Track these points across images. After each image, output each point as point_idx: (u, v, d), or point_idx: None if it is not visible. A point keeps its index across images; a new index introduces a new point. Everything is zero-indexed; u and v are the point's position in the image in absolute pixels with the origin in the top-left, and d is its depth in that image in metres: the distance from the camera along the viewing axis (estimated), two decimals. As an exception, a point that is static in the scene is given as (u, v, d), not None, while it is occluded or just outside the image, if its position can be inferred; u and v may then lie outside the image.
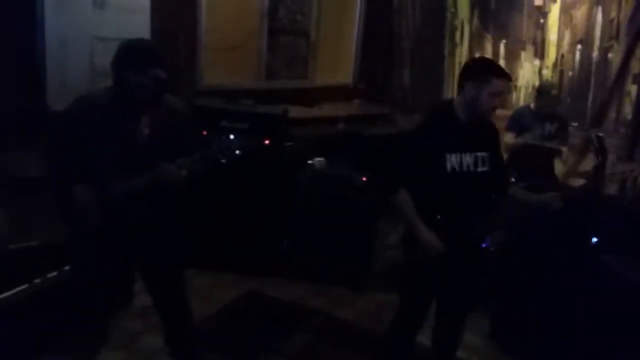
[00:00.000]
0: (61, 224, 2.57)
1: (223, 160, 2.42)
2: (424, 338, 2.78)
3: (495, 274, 3.19)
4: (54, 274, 2.79)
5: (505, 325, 3.34)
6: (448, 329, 2.71)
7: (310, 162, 4.08)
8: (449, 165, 2.41)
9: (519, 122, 4.35)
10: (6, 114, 3.52)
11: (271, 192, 3.93)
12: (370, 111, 5.66)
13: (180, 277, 2.58)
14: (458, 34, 6.43)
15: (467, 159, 2.43)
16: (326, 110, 5.37)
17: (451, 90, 5.83)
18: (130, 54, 2.28)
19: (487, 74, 2.41)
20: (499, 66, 2.51)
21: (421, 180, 2.43)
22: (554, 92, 4.37)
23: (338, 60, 6.07)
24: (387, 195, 2.55)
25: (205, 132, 3.55)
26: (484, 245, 2.60)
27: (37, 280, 2.73)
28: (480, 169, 2.46)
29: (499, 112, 2.59)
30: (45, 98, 3.73)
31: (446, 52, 6.11)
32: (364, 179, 3.96)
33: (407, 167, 2.49)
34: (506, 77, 2.45)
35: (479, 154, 2.46)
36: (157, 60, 2.29)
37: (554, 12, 5.58)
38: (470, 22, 6.69)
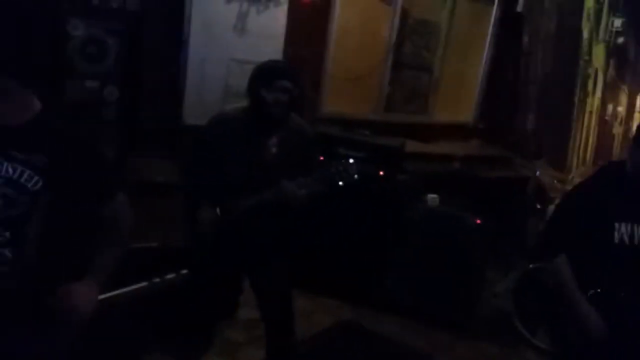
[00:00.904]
0: (183, 230, 2.73)
1: (340, 183, 2.45)
2: None
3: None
4: (172, 275, 2.95)
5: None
6: None
7: (423, 197, 4.02)
8: (617, 236, 2.11)
9: None
10: (147, 123, 3.84)
11: (382, 223, 3.92)
12: (489, 153, 5.51)
13: (288, 294, 2.63)
14: (591, 82, 6.11)
15: None
16: (443, 147, 5.31)
17: (580, 139, 5.53)
18: (263, 73, 2.42)
19: None
20: None
21: (583, 248, 2.14)
22: None
23: (459, 98, 6.00)
24: (544, 259, 2.32)
25: (322, 158, 3.64)
26: None
27: (156, 280, 2.90)
28: None
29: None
30: (182, 112, 4.04)
31: (576, 100, 5.82)
32: (478, 221, 3.83)
33: (569, 230, 2.22)
34: None
35: None
36: (291, 77, 2.40)
37: None
38: (605, 71, 6.34)
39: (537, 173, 4.58)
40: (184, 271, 2.95)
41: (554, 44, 6.46)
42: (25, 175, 1.51)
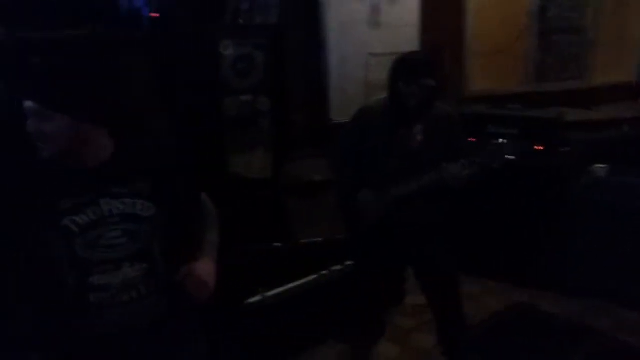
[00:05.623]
0: (343, 223, 2.84)
1: (494, 165, 2.38)
2: None
3: None
4: (338, 267, 3.09)
5: None
6: None
7: (590, 168, 3.73)
8: None
9: None
10: (298, 128, 4.04)
11: (546, 200, 3.71)
12: (662, 111, 4.92)
13: (454, 280, 2.62)
14: None
15: None
16: (606, 112, 4.86)
17: None
18: (402, 66, 2.42)
19: None
20: None
21: None
22: None
23: (619, 58, 5.45)
24: None
25: (473, 139, 3.55)
26: None
27: (324, 272, 3.06)
28: None
29: None
30: (328, 112, 4.18)
31: None
32: (657, 187, 3.47)
33: None
34: None
35: None
36: (427, 70, 2.37)
37: None
38: None
39: None
40: (349, 262, 3.09)
41: None
42: (138, 206, 1.61)
